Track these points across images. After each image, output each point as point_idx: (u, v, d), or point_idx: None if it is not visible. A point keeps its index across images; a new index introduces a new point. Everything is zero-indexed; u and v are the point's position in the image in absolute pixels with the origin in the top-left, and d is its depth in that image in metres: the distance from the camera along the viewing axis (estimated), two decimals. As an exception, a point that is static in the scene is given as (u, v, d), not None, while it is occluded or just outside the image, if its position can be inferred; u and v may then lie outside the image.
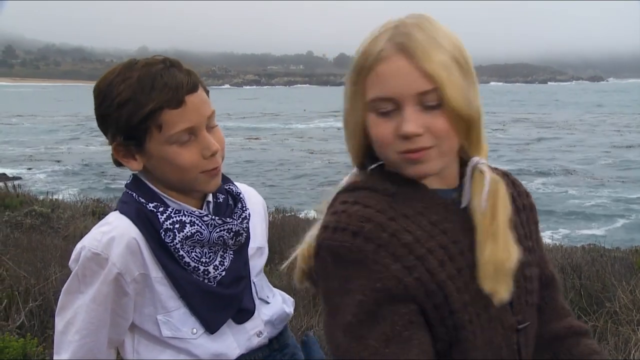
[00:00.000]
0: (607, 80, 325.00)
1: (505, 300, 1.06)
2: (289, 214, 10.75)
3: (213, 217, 1.41)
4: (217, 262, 1.42)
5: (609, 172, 26.85)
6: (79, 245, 1.38)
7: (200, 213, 1.41)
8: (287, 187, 23.10)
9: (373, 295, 1.00)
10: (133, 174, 1.44)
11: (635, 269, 5.76)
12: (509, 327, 1.12)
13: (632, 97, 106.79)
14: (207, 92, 1.43)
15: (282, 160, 29.43)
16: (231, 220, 1.44)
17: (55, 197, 11.32)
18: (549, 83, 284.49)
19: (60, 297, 1.39)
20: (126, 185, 1.45)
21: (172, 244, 1.36)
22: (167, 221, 1.37)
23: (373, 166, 1.14)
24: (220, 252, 1.43)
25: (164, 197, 1.41)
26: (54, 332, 1.43)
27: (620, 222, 17.67)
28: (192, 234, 1.38)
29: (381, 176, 1.11)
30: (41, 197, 10.43)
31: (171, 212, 1.38)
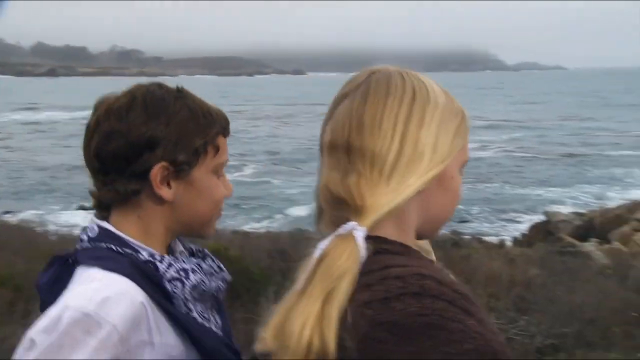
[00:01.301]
0: (307, 74, 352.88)
1: None
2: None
3: (210, 263, 1.28)
4: (213, 320, 1.27)
5: (312, 161, 28.41)
6: (55, 310, 1.06)
7: (197, 259, 1.28)
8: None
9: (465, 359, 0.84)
10: (100, 227, 1.20)
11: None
12: None
13: (329, 89, 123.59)
14: None
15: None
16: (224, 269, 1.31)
17: None
18: (256, 76, 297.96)
19: None
20: (92, 240, 1.19)
21: (181, 295, 1.18)
22: (169, 269, 1.18)
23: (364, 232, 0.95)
24: (210, 308, 1.28)
25: (144, 248, 1.20)
26: None
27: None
28: (198, 283, 1.21)
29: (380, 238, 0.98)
30: None
31: (169, 259, 1.20)
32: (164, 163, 1.18)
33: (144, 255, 1.18)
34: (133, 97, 1.20)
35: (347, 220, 0.95)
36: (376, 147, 0.97)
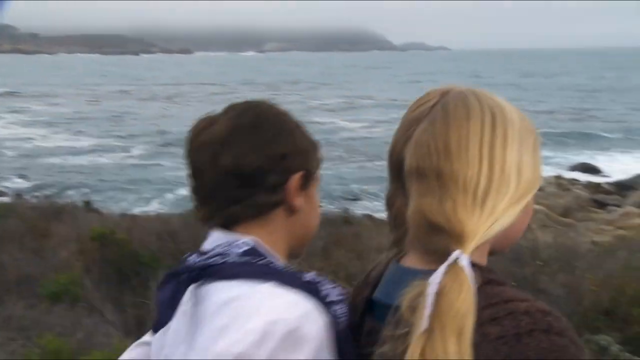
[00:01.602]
0: (195, 53, 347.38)
1: None
2: None
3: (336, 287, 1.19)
4: None
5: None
6: (255, 323, 1.02)
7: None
8: None
9: None
10: (246, 242, 1.17)
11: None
12: None
13: (216, 69, 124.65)
14: None
15: None
16: None
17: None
18: (141, 55, 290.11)
19: None
20: (246, 253, 1.15)
21: (342, 318, 1.12)
22: (332, 291, 1.13)
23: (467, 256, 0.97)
24: None
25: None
26: None
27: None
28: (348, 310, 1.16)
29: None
30: None
31: (326, 280, 1.16)
32: (302, 172, 1.21)
33: (307, 276, 1.15)
34: (257, 113, 1.23)
35: (444, 246, 0.97)
36: (467, 172, 0.98)
